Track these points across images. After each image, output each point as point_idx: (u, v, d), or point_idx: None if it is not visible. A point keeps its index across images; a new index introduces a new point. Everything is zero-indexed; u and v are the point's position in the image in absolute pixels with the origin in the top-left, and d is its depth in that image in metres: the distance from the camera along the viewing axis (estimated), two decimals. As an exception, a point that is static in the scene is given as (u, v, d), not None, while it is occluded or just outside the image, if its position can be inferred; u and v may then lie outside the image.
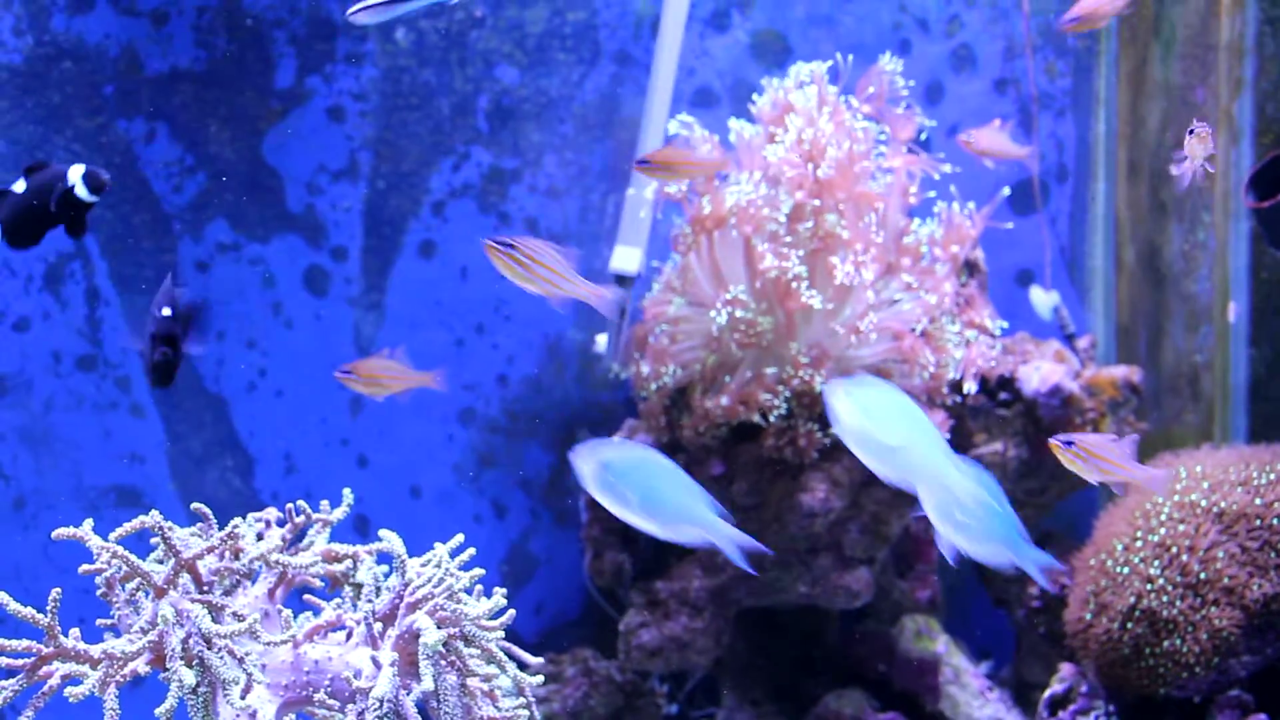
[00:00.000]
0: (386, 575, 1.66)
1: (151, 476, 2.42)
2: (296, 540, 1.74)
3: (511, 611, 1.60)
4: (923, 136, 2.43)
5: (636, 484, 1.65)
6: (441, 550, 1.65)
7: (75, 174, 1.90)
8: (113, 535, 1.58)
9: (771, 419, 2.31)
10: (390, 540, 1.62)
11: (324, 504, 1.76)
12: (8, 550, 2.35)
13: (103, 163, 2.33)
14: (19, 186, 1.88)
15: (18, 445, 2.35)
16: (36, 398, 2.35)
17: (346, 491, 1.75)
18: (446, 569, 1.59)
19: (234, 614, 1.55)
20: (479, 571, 1.62)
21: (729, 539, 1.66)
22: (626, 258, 2.48)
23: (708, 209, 2.31)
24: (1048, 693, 2.24)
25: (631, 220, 2.51)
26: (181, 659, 1.45)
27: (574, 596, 2.60)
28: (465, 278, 2.53)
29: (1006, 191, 2.47)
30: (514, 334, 2.56)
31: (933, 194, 2.41)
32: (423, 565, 1.63)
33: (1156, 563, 2.14)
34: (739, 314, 2.24)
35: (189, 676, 1.44)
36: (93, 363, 2.38)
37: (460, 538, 1.66)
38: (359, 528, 2.41)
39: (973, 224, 2.40)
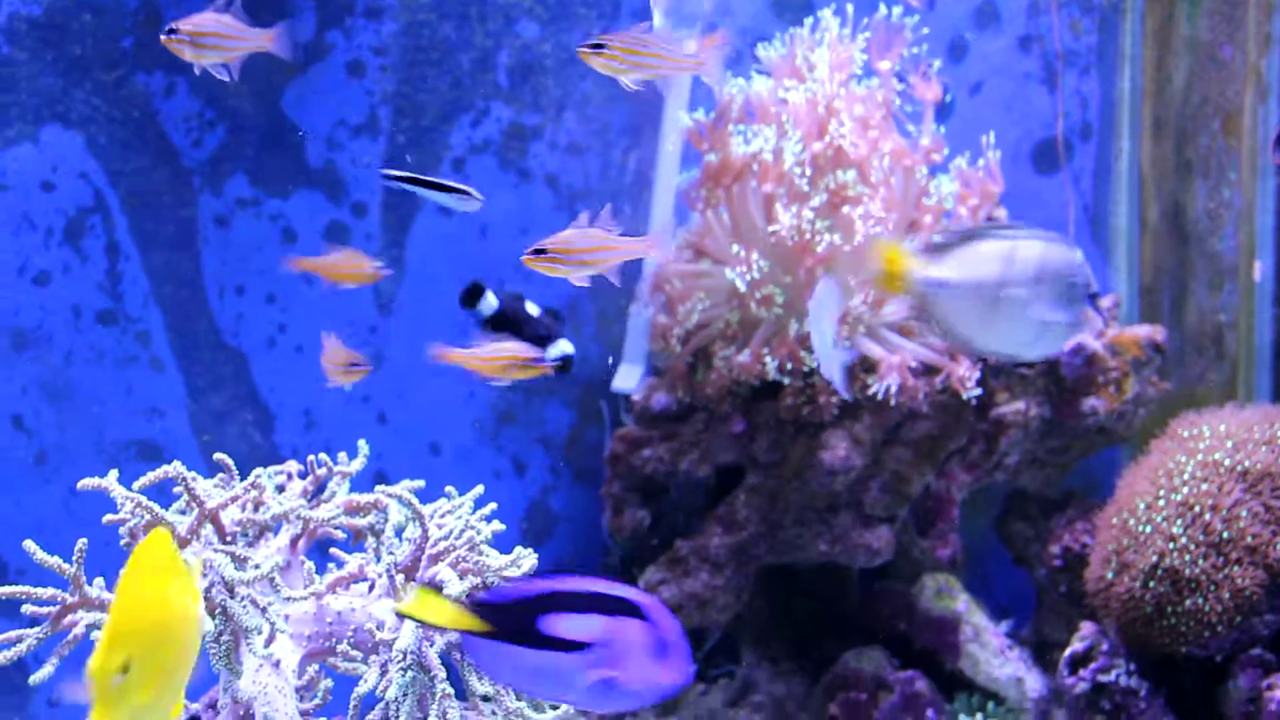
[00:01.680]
0: (400, 530, 1.66)
1: (172, 431, 2.42)
2: (317, 493, 1.75)
3: (534, 559, 1.59)
4: (947, 98, 2.41)
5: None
6: (463, 501, 1.65)
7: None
8: (136, 485, 1.59)
9: (787, 380, 2.30)
10: (406, 495, 1.62)
11: (341, 456, 1.76)
12: (30, 504, 2.35)
13: (121, 116, 2.33)
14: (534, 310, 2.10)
15: (39, 399, 2.35)
16: (57, 352, 2.35)
17: (362, 443, 1.75)
18: (468, 521, 1.59)
19: (256, 565, 1.56)
20: (499, 526, 1.62)
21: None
22: (631, 377, 2.53)
23: (715, 160, 2.30)
24: (1068, 651, 2.23)
25: (636, 339, 2.52)
26: (204, 609, 1.45)
27: (594, 554, 2.60)
28: (485, 235, 2.52)
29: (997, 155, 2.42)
30: (534, 292, 2.55)
31: (945, 155, 2.39)
32: (443, 516, 1.63)
33: (1179, 521, 2.13)
34: (759, 272, 2.23)
35: (208, 623, 1.44)
36: (113, 317, 2.37)
37: (480, 489, 1.66)
38: (379, 484, 2.40)
39: (994, 181, 2.39)
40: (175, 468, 1.58)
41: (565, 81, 2.53)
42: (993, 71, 2.62)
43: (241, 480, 1.70)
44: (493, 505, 1.62)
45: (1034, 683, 2.40)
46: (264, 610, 1.52)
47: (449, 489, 1.67)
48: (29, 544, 1.47)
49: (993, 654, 2.42)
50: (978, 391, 2.29)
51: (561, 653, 1.30)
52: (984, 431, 2.41)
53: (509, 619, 1.33)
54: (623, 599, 1.33)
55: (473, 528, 1.57)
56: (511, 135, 2.52)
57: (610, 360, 2.57)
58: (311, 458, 1.74)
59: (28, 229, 2.31)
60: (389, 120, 2.47)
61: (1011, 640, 2.46)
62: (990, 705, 2.42)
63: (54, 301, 2.34)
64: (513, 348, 2.03)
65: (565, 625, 1.31)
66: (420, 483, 1.70)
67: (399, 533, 1.66)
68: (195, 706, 1.60)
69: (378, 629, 1.55)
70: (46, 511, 2.35)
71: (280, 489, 1.72)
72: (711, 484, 2.46)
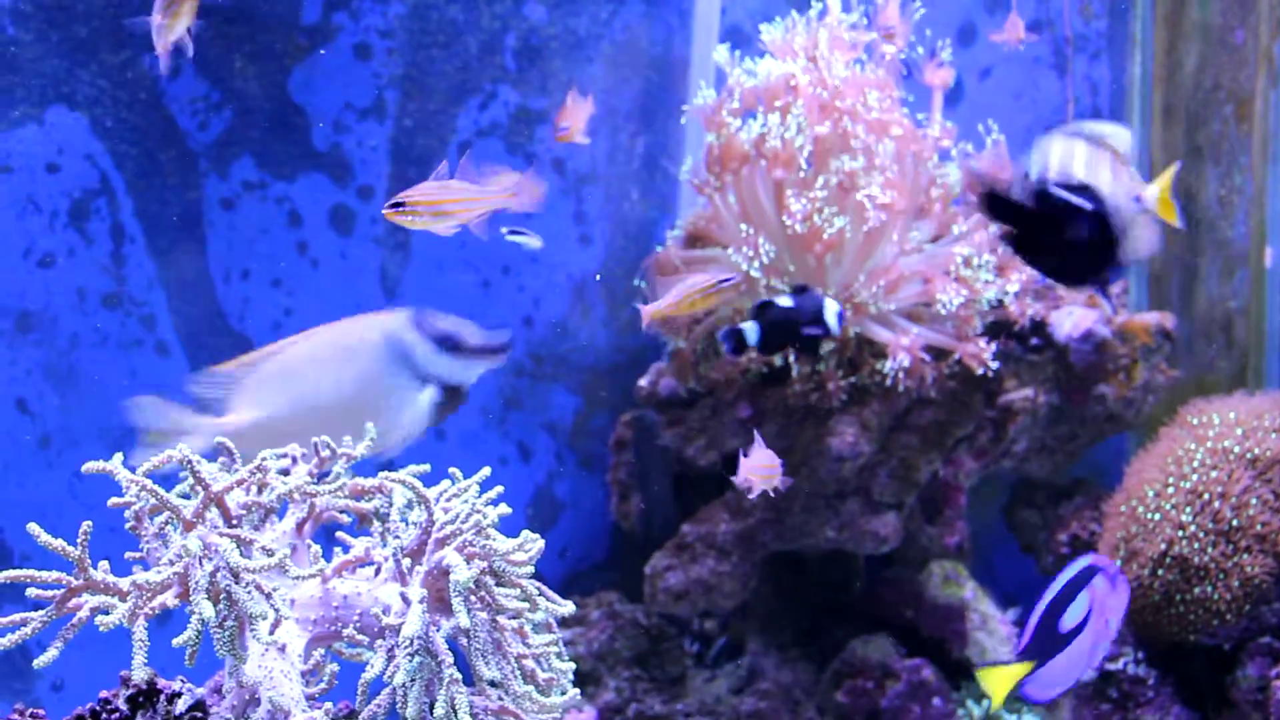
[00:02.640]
0: (404, 512, 1.65)
1: (177, 416, 2.41)
2: (322, 477, 1.73)
3: (541, 544, 1.58)
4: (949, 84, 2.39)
5: None
6: (469, 484, 1.63)
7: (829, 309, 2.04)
8: (141, 469, 1.57)
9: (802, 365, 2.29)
10: (409, 481, 1.61)
11: (346, 439, 1.75)
12: (34, 488, 2.34)
13: (127, 98, 2.31)
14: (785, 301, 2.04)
15: (43, 383, 2.34)
16: (61, 335, 2.34)
17: (370, 426, 1.73)
18: (474, 505, 1.58)
19: (263, 549, 1.55)
20: (506, 509, 1.60)
21: None
22: None
23: (717, 147, 2.29)
24: (1076, 639, 2.22)
25: None
26: (206, 592, 1.44)
27: (599, 540, 2.59)
28: (491, 220, 2.50)
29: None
30: (540, 276, 2.54)
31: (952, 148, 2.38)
32: (449, 500, 1.62)
33: (1188, 509, 2.12)
34: (766, 258, 2.22)
35: (208, 609, 1.43)
36: (117, 300, 2.36)
37: (487, 471, 1.64)
38: (382, 471, 2.39)
39: (1004, 168, 2.37)
40: (181, 451, 1.57)
41: (573, 65, 2.51)
42: (1002, 57, 2.61)
43: (244, 465, 1.68)
44: (499, 488, 1.61)
45: (1041, 671, 2.39)
46: (269, 596, 1.50)
47: (454, 471, 1.66)
48: (33, 526, 1.45)
49: (1000, 642, 2.41)
50: (995, 365, 2.27)
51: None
52: (992, 418, 2.40)
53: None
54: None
55: (479, 511, 1.56)
56: (518, 119, 2.50)
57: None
58: (315, 440, 1.72)
59: (32, 211, 2.30)
60: (396, 103, 2.46)
61: (1018, 628, 2.45)
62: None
63: (59, 284, 2.33)
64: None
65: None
66: (425, 467, 1.69)
67: (405, 516, 1.65)
68: (201, 691, 1.59)
69: (384, 613, 1.54)
70: (50, 496, 2.34)
71: (284, 473, 1.71)
72: (718, 470, 2.45)
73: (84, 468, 1.54)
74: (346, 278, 2.47)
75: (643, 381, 2.49)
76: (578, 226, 2.56)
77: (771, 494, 1.99)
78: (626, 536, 2.55)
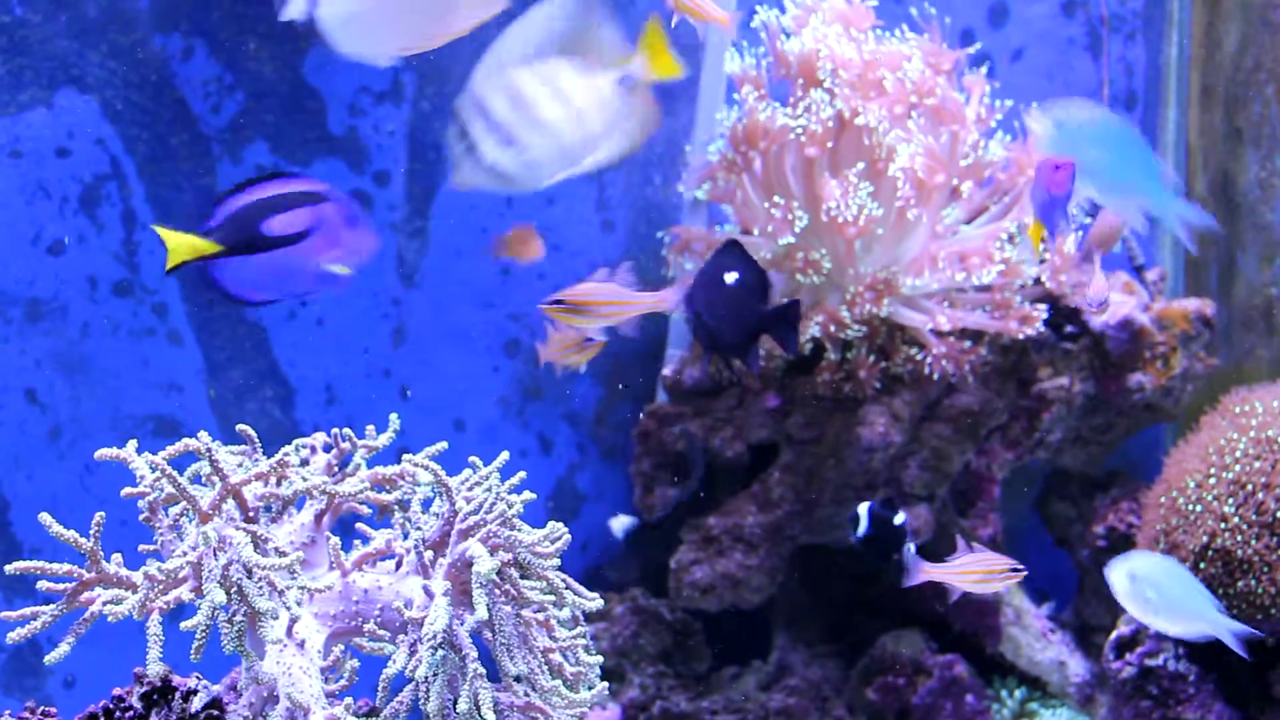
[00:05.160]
0: (426, 503, 1.60)
1: (190, 406, 2.36)
2: (342, 467, 1.68)
3: (568, 536, 1.53)
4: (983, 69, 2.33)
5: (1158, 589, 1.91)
6: (489, 471, 1.58)
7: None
8: (158, 456, 1.52)
9: (831, 353, 2.23)
10: (432, 467, 1.56)
11: (369, 429, 1.70)
12: (44, 479, 2.29)
13: (138, 80, 2.26)
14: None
15: (53, 372, 2.29)
16: (72, 324, 2.29)
17: (393, 417, 1.68)
18: (498, 494, 1.52)
19: (277, 549, 1.49)
20: (530, 496, 1.55)
21: (1231, 632, 1.90)
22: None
23: (742, 124, 2.24)
24: (1114, 634, 2.16)
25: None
26: (219, 582, 1.39)
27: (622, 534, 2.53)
28: (511, 205, 2.45)
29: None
30: (561, 263, 2.49)
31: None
32: (470, 489, 1.56)
33: (1231, 500, 2.06)
34: (796, 238, 2.17)
35: (220, 595, 1.37)
36: (129, 288, 2.31)
37: (505, 455, 1.59)
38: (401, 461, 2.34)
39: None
40: (201, 439, 1.51)
41: (594, 47, 2.45)
42: (1035, 37, 2.54)
43: (266, 457, 1.63)
44: (521, 475, 1.55)
45: (1077, 667, 2.33)
46: (281, 594, 1.45)
47: (474, 459, 1.61)
48: (45, 517, 1.40)
49: (1034, 637, 2.36)
50: (1042, 318, 2.22)
51: (291, 246, 1.60)
52: (1026, 408, 2.34)
53: (237, 235, 1.62)
54: (307, 191, 1.62)
55: (503, 500, 1.50)
56: (539, 102, 2.44)
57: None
58: (336, 431, 1.67)
59: (42, 197, 2.25)
60: (413, 86, 2.40)
61: (1053, 623, 2.39)
62: (1025, 689, 2.36)
63: (69, 272, 2.28)
64: None
65: (280, 223, 1.60)
66: (443, 445, 1.63)
67: (426, 506, 1.59)
68: (217, 688, 1.54)
69: (406, 607, 1.48)
70: (61, 487, 2.29)
71: (304, 463, 1.65)
72: (745, 461, 2.39)
73: (98, 454, 1.49)
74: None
75: (667, 371, 2.44)
76: (599, 213, 2.51)
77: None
78: (650, 528, 2.49)
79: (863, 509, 2.03)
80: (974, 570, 1.87)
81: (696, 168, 2.38)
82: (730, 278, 1.95)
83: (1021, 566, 1.87)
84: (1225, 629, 1.90)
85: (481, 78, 1.79)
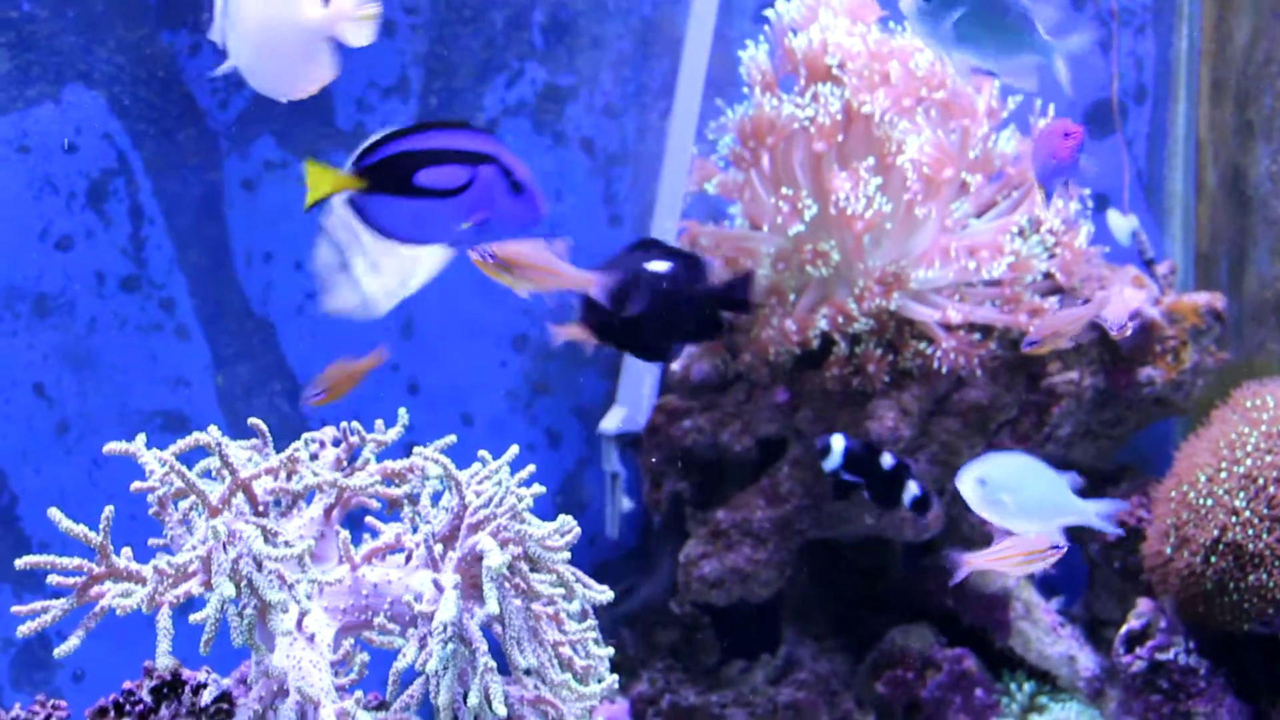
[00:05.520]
0: (436, 497, 1.59)
1: (197, 401, 2.36)
2: (351, 461, 1.68)
3: (578, 530, 1.53)
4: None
5: (1011, 491, 1.84)
6: (499, 465, 1.58)
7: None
8: (168, 451, 1.52)
9: (840, 347, 2.23)
10: (442, 460, 1.55)
11: (378, 424, 1.69)
12: (52, 474, 2.29)
13: (145, 76, 2.26)
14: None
15: (60, 367, 2.29)
16: (79, 319, 2.29)
17: (402, 411, 1.68)
18: (508, 487, 1.52)
19: (286, 541, 1.49)
20: (539, 489, 1.55)
21: (1099, 514, 1.87)
22: (616, 418, 2.47)
23: (750, 119, 2.23)
24: (1124, 628, 2.16)
25: (632, 383, 2.47)
26: (228, 575, 1.39)
27: (630, 527, 2.53)
28: (518, 195, 2.44)
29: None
30: (569, 258, 2.47)
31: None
32: (480, 482, 1.56)
33: (1242, 494, 2.05)
34: (806, 226, 2.16)
35: (229, 588, 1.37)
36: (136, 283, 2.31)
37: (515, 449, 1.59)
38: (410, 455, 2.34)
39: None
40: (211, 434, 1.51)
41: (601, 41, 2.45)
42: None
43: (276, 451, 1.63)
44: (531, 468, 1.55)
45: (1087, 661, 2.32)
46: (291, 587, 1.45)
47: (483, 453, 1.60)
48: (54, 512, 1.40)
49: (1044, 631, 2.35)
50: (1052, 307, 2.22)
51: (438, 199, 1.60)
52: (1035, 402, 2.33)
53: (388, 177, 1.60)
54: (479, 151, 1.63)
55: (513, 494, 1.50)
56: (546, 97, 2.44)
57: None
58: (345, 425, 1.67)
59: (50, 192, 2.24)
60: (420, 81, 2.40)
61: (1063, 618, 2.38)
62: (1034, 683, 2.36)
63: (76, 267, 2.28)
64: None
65: (431, 176, 1.60)
66: (452, 438, 1.63)
67: (435, 500, 1.59)
68: (226, 682, 1.54)
69: (416, 601, 1.48)
70: (69, 482, 2.29)
71: (314, 457, 1.65)
72: (754, 456, 2.39)
73: (106, 448, 1.49)
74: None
75: (675, 366, 2.43)
76: (607, 207, 2.50)
77: None
78: (660, 522, 2.49)
79: (836, 440, 2.05)
80: (1016, 553, 1.87)
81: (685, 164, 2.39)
82: (659, 267, 1.93)
83: (1062, 543, 1.87)
84: (1091, 513, 1.86)
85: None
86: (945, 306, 2.20)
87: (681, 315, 1.93)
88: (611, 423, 2.45)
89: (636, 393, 2.45)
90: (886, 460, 2.08)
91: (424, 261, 1.94)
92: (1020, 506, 1.83)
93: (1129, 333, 2.24)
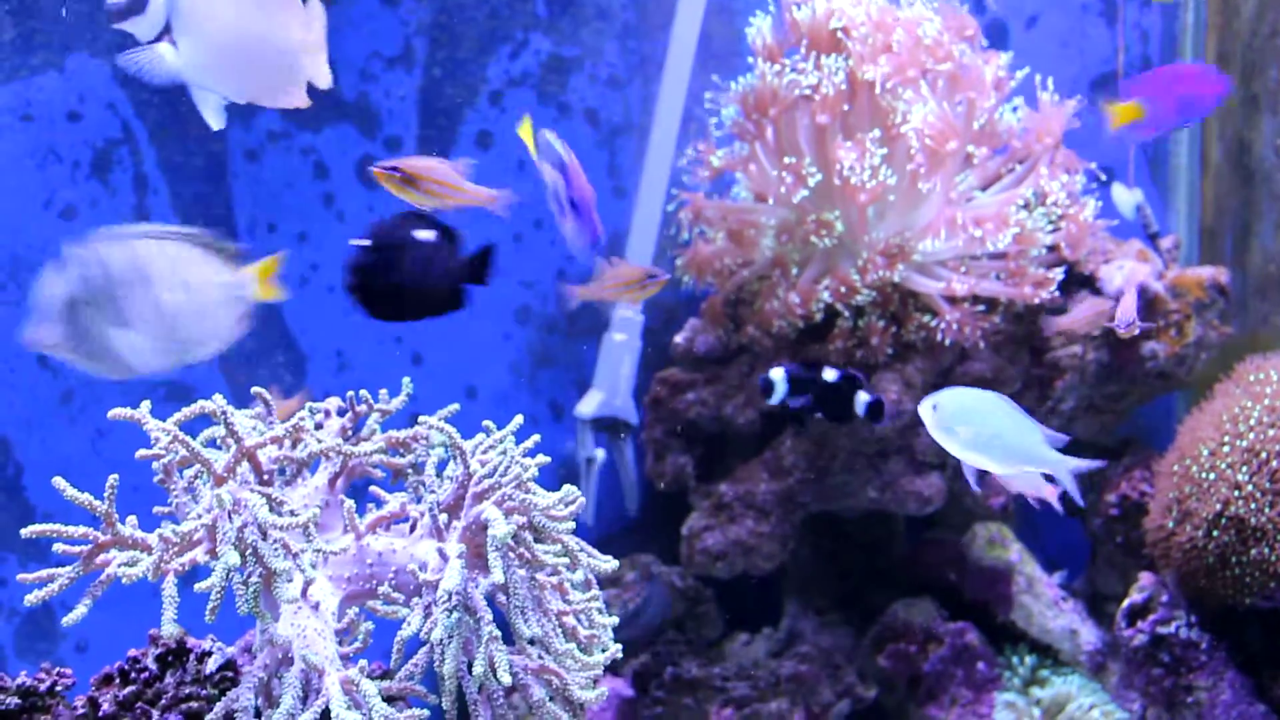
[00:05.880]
0: (440, 466, 1.59)
1: (201, 372, 2.36)
2: (356, 430, 1.68)
3: (582, 500, 1.53)
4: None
5: (969, 424, 1.75)
6: (504, 434, 1.58)
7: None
8: (171, 419, 1.52)
9: (844, 319, 2.23)
10: (446, 430, 1.56)
11: (383, 393, 1.69)
12: (55, 444, 2.29)
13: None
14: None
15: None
16: (84, 289, 2.28)
17: (406, 380, 1.68)
18: (513, 457, 1.52)
19: (291, 510, 1.49)
20: (544, 459, 1.55)
21: (1069, 470, 1.74)
22: (593, 401, 2.45)
23: (753, 91, 2.23)
24: (1126, 602, 2.16)
25: (609, 364, 2.45)
26: (233, 544, 1.39)
27: (633, 500, 2.53)
28: (523, 170, 2.44)
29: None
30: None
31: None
32: (485, 452, 1.56)
33: (1244, 468, 2.05)
34: (811, 192, 2.16)
35: (234, 556, 1.37)
36: (141, 254, 2.30)
37: (520, 419, 1.58)
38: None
39: (1058, 121, 2.30)
40: (215, 402, 1.51)
41: (606, 12, 2.44)
42: (1050, 4, 2.53)
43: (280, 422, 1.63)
44: (536, 438, 1.55)
45: (1089, 635, 2.33)
46: (295, 556, 1.45)
47: (487, 423, 1.60)
48: (59, 480, 1.40)
49: (1046, 605, 2.35)
50: (1057, 280, 2.22)
51: None
52: (1039, 376, 2.33)
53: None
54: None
55: (518, 463, 1.50)
56: (550, 68, 2.43)
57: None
58: (351, 394, 1.67)
59: (54, 161, 2.24)
60: (424, 52, 2.39)
61: (1065, 592, 2.39)
62: (1036, 657, 2.36)
63: (80, 236, 2.27)
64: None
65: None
66: (455, 406, 1.63)
67: (440, 469, 1.59)
68: (231, 650, 1.54)
69: (421, 570, 1.48)
70: (73, 452, 2.29)
71: (319, 426, 1.65)
72: (757, 429, 2.39)
73: (111, 414, 1.49)
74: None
75: (678, 338, 2.43)
76: (611, 179, 2.50)
77: None
78: (662, 496, 2.49)
79: (776, 371, 2.09)
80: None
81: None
82: (425, 235, 1.82)
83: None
84: (1062, 465, 1.75)
85: (106, 238, 1.63)
86: (949, 278, 2.20)
87: (431, 284, 1.83)
88: (588, 407, 2.44)
89: (614, 375, 2.43)
90: (830, 375, 2.08)
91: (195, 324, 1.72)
92: (978, 440, 1.74)
93: (1136, 331, 2.23)
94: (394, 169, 1.72)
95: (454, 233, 1.82)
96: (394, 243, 1.79)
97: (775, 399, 2.09)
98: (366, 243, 1.79)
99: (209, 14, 1.70)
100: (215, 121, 1.79)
